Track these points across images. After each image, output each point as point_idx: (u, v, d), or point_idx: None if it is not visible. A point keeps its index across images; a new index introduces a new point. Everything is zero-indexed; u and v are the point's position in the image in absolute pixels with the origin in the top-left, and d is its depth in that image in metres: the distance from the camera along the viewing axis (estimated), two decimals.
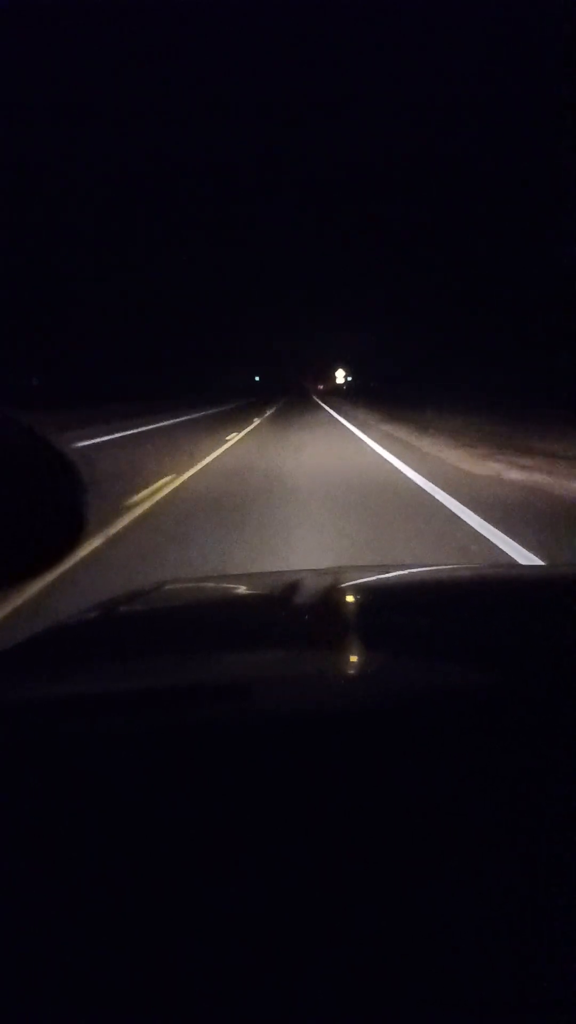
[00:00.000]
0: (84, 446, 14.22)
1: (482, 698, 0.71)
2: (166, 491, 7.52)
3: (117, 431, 18.39)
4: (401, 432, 14.81)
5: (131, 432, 18.23)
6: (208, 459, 10.90)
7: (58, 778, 0.63)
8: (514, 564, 4.19)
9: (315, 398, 56.47)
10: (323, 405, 35.47)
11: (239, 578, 2.63)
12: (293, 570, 1.81)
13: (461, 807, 0.60)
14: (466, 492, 6.74)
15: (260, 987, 0.49)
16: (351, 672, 0.88)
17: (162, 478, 8.35)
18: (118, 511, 6.17)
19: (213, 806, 0.60)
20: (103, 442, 15.33)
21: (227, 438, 14.89)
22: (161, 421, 23.07)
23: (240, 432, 17.06)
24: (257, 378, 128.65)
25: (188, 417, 26.05)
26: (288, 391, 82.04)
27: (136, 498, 6.93)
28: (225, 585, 1.87)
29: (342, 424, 19.18)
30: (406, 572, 1.76)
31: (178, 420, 23.97)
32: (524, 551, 4.51)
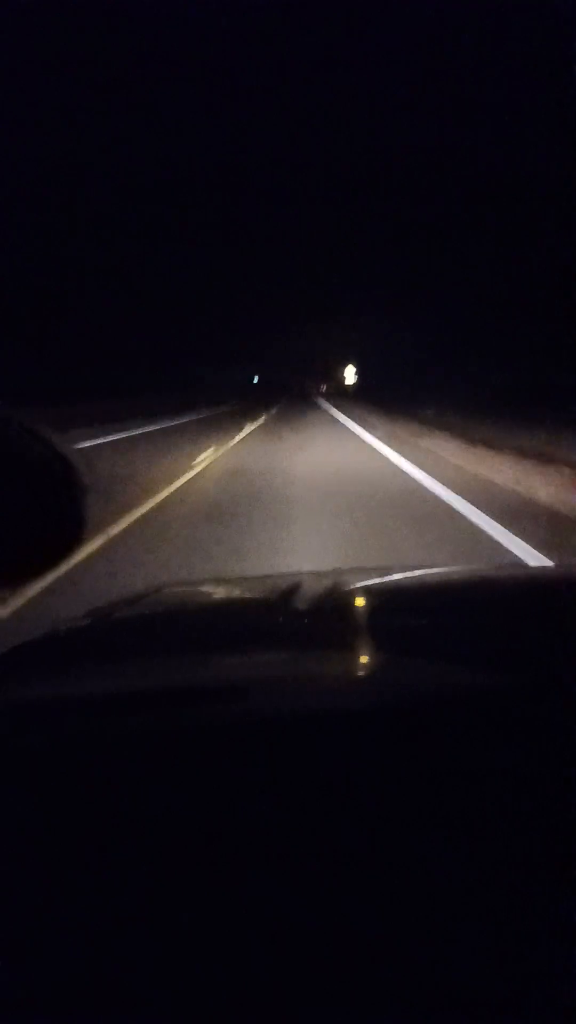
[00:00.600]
0: None
1: (483, 699, 0.71)
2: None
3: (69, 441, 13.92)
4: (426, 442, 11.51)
5: (85, 444, 13.00)
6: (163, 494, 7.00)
7: (58, 779, 0.63)
8: (514, 564, 4.19)
9: (317, 399, 50.93)
10: (328, 408, 31.26)
11: (239, 581, 2.63)
12: (293, 572, 1.81)
13: (462, 808, 0.59)
14: None
15: (260, 986, 0.49)
16: (351, 674, 0.88)
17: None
18: None
19: (213, 807, 0.60)
20: None
21: (194, 462, 9.69)
22: (131, 429, 17.46)
23: (231, 440, 13.66)
24: (255, 379, 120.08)
25: (165, 424, 20.02)
26: (289, 391, 77.96)
27: None
28: (225, 587, 1.87)
29: (354, 434, 14.92)
30: (406, 574, 1.76)
31: (149, 429, 18.19)
32: None
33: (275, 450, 11.86)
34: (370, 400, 35.61)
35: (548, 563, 4.43)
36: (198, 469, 9.22)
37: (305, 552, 4.70)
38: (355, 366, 66.00)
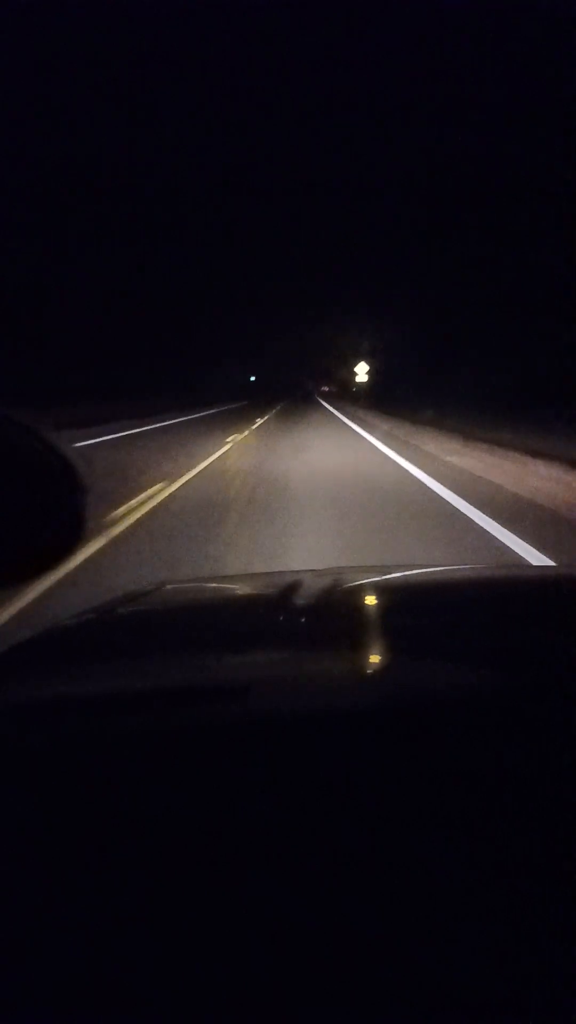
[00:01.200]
0: None
1: (483, 699, 0.71)
2: None
3: None
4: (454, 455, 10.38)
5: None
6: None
7: (58, 779, 0.63)
8: (515, 564, 4.18)
9: (320, 399, 48.50)
10: (335, 412, 28.49)
11: (239, 579, 2.63)
12: (293, 571, 1.81)
13: (462, 808, 0.59)
14: None
15: (260, 986, 0.49)
16: (351, 674, 0.88)
17: None
18: None
19: (213, 807, 0.60)
20: None
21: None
22: (97, 436, 15.76)
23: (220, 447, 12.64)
24: (252, 378, 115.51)
25: (147, 428, 18.99)
26: (290, 392, 72.34)
27: None
28: (225, 586, 1.87)
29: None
30: (406, 573, 1.76)
31: (120, 435, 16.63)
32: None
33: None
34: (365, 399, 37.81)
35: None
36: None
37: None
38: (372, 361, 46.35)
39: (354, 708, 0.69)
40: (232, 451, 12.44)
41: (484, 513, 6.13)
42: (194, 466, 9.88)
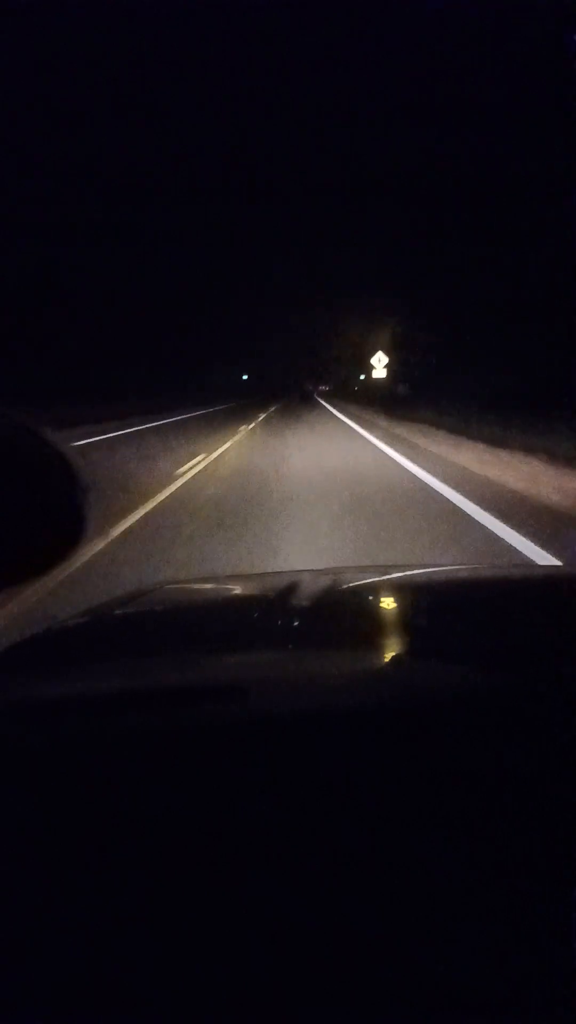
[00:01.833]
0: None
1: (483, 699, 0.71)
2: None
3: None
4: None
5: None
6: None
7: (58, 779, 0.63)
8: (515, 564, 4.19)
9: (321, 400, 42.68)
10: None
11: (239, 579, 2.63)
12: (293, 571, 1.82)
13: (462, 808, 0.59)
14: None
15: (260, 986, 0.49)
16: (351, 673, 0.88)
17: None
18: None
19: (212, 807, 0.60)
20: None
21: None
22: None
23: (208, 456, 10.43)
24: (245, 376, 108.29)
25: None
26: (288, 392, 67.52)
27: None
28: (225, 586, 1.87)
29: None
30: (406, 573, 1.76)
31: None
32: None
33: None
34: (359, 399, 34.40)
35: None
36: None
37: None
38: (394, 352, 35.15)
39: (354, 708, 0.69)
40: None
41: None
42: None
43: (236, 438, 14.90)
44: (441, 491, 7.00)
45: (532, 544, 4.81)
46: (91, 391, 28.44)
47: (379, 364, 34.61)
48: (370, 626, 1.12)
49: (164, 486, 7.58)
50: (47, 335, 37.70)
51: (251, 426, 19.59)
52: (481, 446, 11.04)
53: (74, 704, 0.74)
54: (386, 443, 12.36)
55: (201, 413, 28.77)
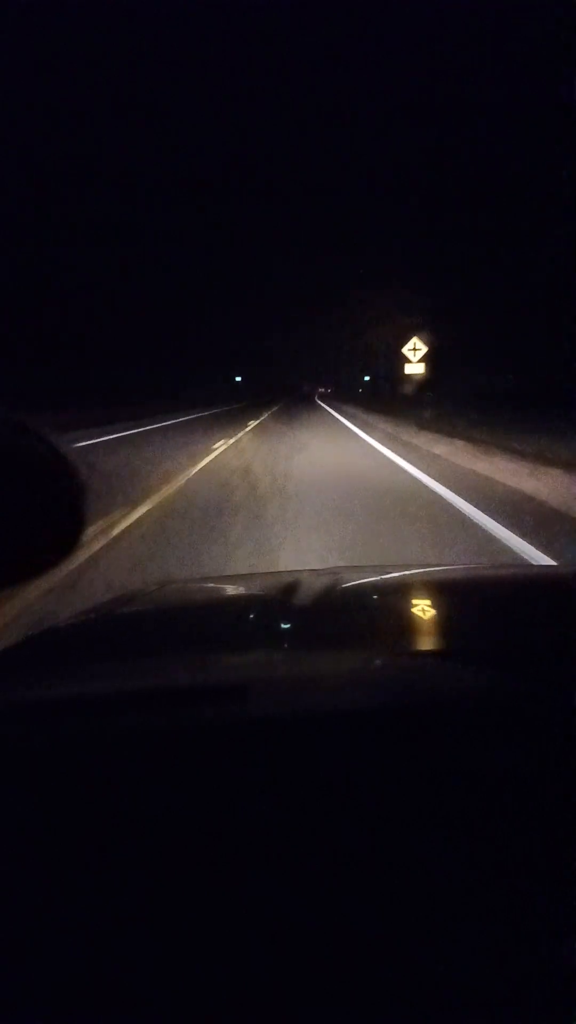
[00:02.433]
0: None
1: (483, 699, 0.71)
2: None
3: None
4: None
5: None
6: None
7: (58, 779, 0.63)
8: (515, 563, 4.19)
9: (323, 403, 37.85)
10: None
11: (239, 578, 2.63)
12: (293, 570, 1.82)
13: (462, 808, 0.59)
14: None
15: (260, 986, 0.49)
16: (351, 674, 0.88)
17: None
18: None
19: (212, 807, 0.60)
20: None
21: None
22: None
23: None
24: (238, 378, 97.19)
25: None
26: (287, 395, 63.27)
27: None
28: (225, 586, 1.87)
29: None
30: (405, 572, 1.76)
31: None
32: None
33: None
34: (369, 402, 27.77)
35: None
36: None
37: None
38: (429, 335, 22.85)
39: (354, 708, 0.69)
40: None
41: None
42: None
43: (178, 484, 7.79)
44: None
45: None
46: (75, 393, 27.62)
47: (414, 355, 21.75)
48: (370, 626, 1.12)
49: None
50: (45, 336, 37.46)
51: (217, 454, 11.16)
52: None
53: (74, 704, 0.74)
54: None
55: (154, 428, 19.50)
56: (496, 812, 0.59)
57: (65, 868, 0.57)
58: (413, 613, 1.21)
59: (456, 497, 6.48)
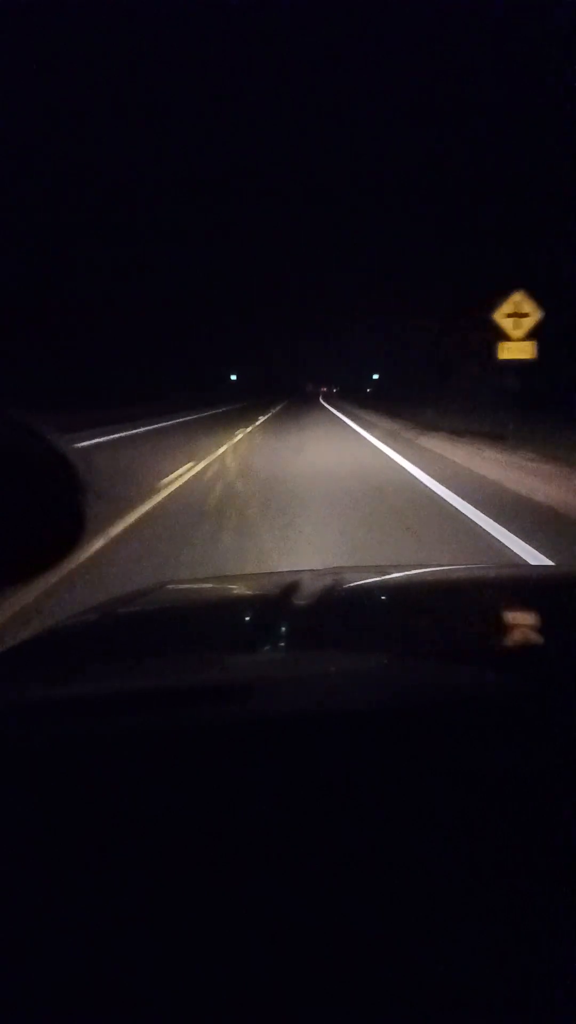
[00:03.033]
0: None
1: (483, 699, 0.71)
2: None
3: None
4: None
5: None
6: None
7: (58, 779, 0.63)
8: (515, 564, 4.19)
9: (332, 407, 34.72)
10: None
11: (240, 579, 2.63)
12: (293, 570, 1.82)
13: (462, 808, 0.60)
14: None
15: (260, 986, 0.49)
16: (352, 673, 0.88)
17: None
18: None
19: (212, 807, 0.60)
20: None
21: None
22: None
23: None
24: (233, 376, 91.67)
25: None
26: (287, 396, 59.61)
27: None
28: (225, 586, 1.87)
29: None
30: (406, 572, 1.76)
31: None
32: None
33: None
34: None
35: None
36: None
37: None
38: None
39: (354, 708, 0.69)
40: None
41: None
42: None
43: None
44: None
45: None
46: (74, 394, 27.00)
47: (516, 328, 11.83)
48: (370, 626, 1.12)
49: None
50: (45, 336, 37.21)
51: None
52: None
53: (75, 704, 0.74)
54: None
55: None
56: (496, 812, 0.59)
57: (65, 868, 0.57)
58: (413, 613, 1.21)
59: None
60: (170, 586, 1.81)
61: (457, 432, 13.19)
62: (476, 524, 5.74)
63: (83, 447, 12.79)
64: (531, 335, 11.92)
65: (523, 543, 4.96)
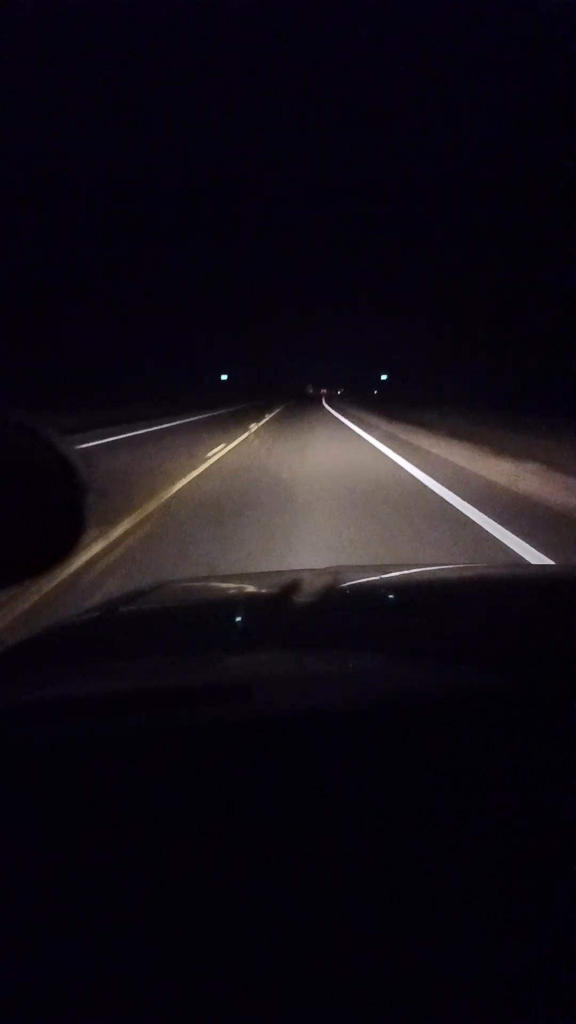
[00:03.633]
0: None
1: (483, 699, 0.71)
2: None
3: None
4: None
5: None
6: None
7: (58, 779, 0.63)
8: (514, 564, 4.18)
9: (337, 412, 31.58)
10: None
11: (239, 578, 2.63)
12: (293, 570, 1.82)
13: (462, 808, 0.60)
14: None
15: (260, 986, 0.49)
16: (351, 672, 0.88)
17: None
18: None
19: (213, 807, 0.60)
20: None
21: None
22: None
23: None
24: (224, 376, 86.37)
25: None
26: (288, 398, 55.49)
27: None
28: (225, 585, 1.87)
29: None
30: (406, 572, 1.76)
31: None
32: None
33: None
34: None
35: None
36: None
37: None
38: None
39: (354, 708, 0.69)
40: None
41: None
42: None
43: None
44: None
45: None
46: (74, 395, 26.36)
47: None
48: (370, 626, 1.12)
49: None
50: (45, 337, 37.04)
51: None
52: None
53: (75, 704, 0.74)
54: None
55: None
56: (496, 812, 0.59)
57: (65, 868, 0.57)
58: (413, 613, 1.21)
59: None
60: (170, 585, 1.80)
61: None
62: None
63: None
64: None
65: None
